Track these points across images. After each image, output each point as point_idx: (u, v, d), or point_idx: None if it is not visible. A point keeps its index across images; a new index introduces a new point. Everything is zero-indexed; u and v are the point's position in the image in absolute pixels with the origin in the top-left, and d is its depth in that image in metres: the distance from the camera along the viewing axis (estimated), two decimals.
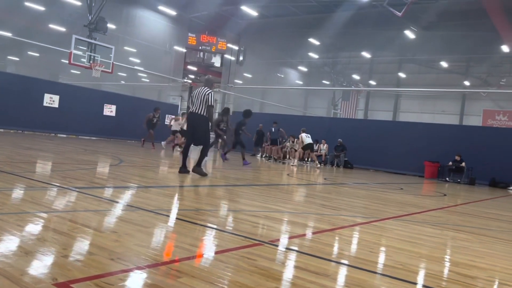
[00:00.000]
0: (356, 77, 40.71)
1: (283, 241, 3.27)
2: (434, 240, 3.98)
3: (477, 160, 16.57)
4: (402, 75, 37.95)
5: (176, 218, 3.75)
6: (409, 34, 26.15)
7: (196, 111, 7.27)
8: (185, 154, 7.60)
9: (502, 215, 7.19)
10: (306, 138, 16.03)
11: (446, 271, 2.94)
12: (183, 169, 7.47)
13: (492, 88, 32.60)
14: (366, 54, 35.26)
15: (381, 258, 3.07)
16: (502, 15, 21.89)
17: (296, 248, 3.07)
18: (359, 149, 19.42)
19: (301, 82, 44.85)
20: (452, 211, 6.78)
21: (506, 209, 8.55)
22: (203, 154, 7.50)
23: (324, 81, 42.43)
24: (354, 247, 3.38)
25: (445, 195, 9.98)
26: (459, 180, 16.90)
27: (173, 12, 29.73)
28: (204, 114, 7.27)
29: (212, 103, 7.30)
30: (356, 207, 5.98)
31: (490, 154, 16.59)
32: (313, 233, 3.71)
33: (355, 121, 27.72)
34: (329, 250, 3.12)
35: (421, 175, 17.83)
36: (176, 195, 5.39)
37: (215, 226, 3.54)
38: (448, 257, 3.41)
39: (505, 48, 27.09)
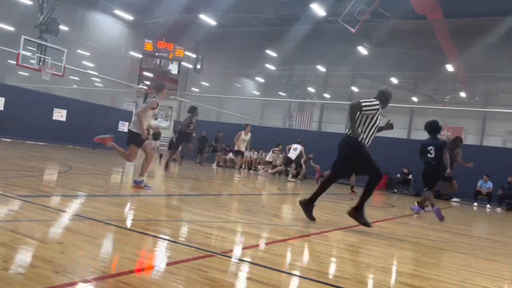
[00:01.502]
0: (311, 89, 41.63)
1: (236, 252, 3.27)
2: (381, 251, 4.13)
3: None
4: (355, 89, 39.21)
5: (127, 229, 3.66)
6: (362, 50, 27.14)
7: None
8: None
9: (445, 225, 7.56)
10: (291, 151, 15.73)
11: (391, 280, 3.05)
12: None
13: (438, 105, 34.37)
14: (321, 68, 36.19)
15: (331, 269, 3.14)
16: (447, 36, 23.25)
17: (248, 260, 3.08)
18: (313, 160, 19.79)
19: (258, 93, 45.26)
20: (399, 222, 7.04)
21: (448, 220, 8.99)
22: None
23: (280, 93, 43.06)
24: (305, 258, 3.44)
25: (393, 206, 10.36)
26: (406, 192, 17.62)
27: (130, 17, 29.19)
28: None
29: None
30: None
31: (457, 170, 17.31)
32: (266, 243, 3.74)
33: (310, 132, 28.29)
34: (281, 261, 3.15)
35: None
36: (128, 204, 5.25)
37: (166, 237, 3.49)
38: (393, 267, 3.54)
39: (449, 68, 28.71)
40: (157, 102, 6.69)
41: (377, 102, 5.20)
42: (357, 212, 5.13)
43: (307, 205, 5.32)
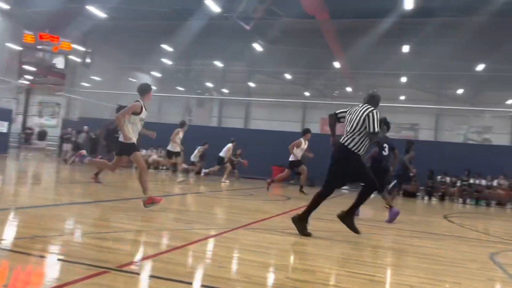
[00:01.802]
0: (209, 84, 41.71)
1: (133, 265, 3.15)
2: (278, 248, 4.31)
3: (316, 163, 18.45)
4: (252, 84, 40.18)
5: (6, 250, 3.31)
6: (257, 46, 27.87)
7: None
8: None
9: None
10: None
11: (283, 278, 3.20)
12: None
13: (328, 99, 36.85)
14: (218, 63, 36.41)
15: (229, 273, 3.20)
16: (334, 36, 24.96)
17: (146, 272, 3.00)
18: (213, 156, 19.89)
19: (155, 88, 43.99)
20: (294, 214, 7.40)
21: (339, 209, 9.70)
22: None
23: (178, 88, 42.40)
24: (205, 263, 3.45)
25: (289, 198, 10.87)
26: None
27: (6, 6, 26.26)
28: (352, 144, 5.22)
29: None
30: (209, 218, 6.12)
31: (327, 157, 18.59)
32: (164, 252, 3.67)
33: (209, 128, 28.33)
34: (180, 271, 3.12)
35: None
36: (9, 219, 4.75)
37: (53, 256, 3.24)
38: (287, 263, 3.73)
39: (337, 65, 30.90)
40: (140, 106, 6.05)
41: (373, 108, 5.23)
42: (347, 217, 5.15)
43: (300, 222, 5.11)
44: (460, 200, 17.43)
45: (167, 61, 36.88)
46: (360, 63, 30.86)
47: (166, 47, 31.43)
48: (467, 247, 5.49)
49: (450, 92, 36.32)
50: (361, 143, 5.04)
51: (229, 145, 16.04)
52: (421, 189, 17.75)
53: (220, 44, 29.95)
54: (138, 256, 3.47)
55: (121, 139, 6.06)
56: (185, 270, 3.17)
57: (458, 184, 17.63)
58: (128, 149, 6.05)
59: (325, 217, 7.45)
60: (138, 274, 2.94)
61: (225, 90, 42.01)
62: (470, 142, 34.72)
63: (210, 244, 4.20)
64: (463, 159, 17.37)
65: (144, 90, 6.30)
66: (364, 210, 8.16)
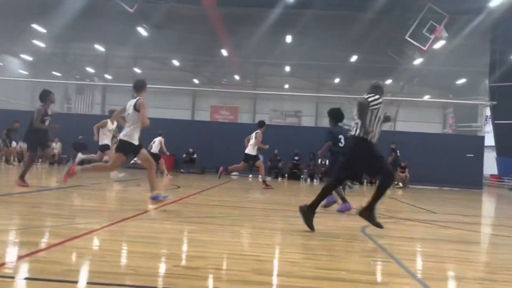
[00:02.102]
0: (90, 70, 38.99)
1: (4, 268, 2.84)
2: (167, 236, 4.26)
3: (206, 151, 18.57)
4: (138, 70, 38.61)
5: None
6: (142, 31, 26.78)
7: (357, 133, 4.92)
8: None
9: (224, 200, 8.31)
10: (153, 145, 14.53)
11: (172, 267, 3.18)
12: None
13: (217, 87, 37.12)
14: (100, 47, 34.17)
15: (115, 267, 3.07)
16: (221, 23, 25.09)
17: (20, 274, 2.73)
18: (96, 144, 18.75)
19: (26, 73, 39.73)
20: (184, 202, 7.37)
21: (229, 194, 9.93)
22: None
23: (55, 73, 38.88)
24: (87, 259, 3.26)
25: (179, 187, 10.77)
26: (192, 171, 18.60)
27: None
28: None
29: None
30: (92, 212, 5.77)
31: (217, 145, 18.82)
32: (41, 250, 3.37)
33: (91, 117, 26.57)
34: (59, 269, 2.89)
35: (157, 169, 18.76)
36: None
37: None
38: (176, 252, 3.71)
39: (224, 52, 31.19)
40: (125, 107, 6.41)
41: (379, 96, 4.98)
42: (369, 213, 4.94)
43: (308, 213, 4.94)
44: None
45: (39, 43, 33.44)
46: (247, 52, 31.58)
47: (38, 27, 28.47)
48: (342, 222, 6.03)
49: (329, 81, 39.19)
50: (371, 131, 4.85)
51: (159, 138, 14.95)
52: (304, 171, 18.97)
53: (102, 26, 28.11)
54: (11, 258, 3.14)
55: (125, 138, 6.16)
56: (64, 268, 2.95)
57: None
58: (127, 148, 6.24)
59: (210, 203, 7.56)
60: (11, 277, 2.66)
61: (108, 76, 39.70)
62: (346, 127, 37.97)
63: (94, 238, 3.98)
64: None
65: (141, 86, 6.36)
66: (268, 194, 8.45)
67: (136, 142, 6.18)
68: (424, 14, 18.61)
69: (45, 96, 7.84)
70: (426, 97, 36.08)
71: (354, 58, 29.97)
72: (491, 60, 24.29)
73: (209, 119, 37.98)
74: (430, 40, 18.80)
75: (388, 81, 36.38)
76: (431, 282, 3.05)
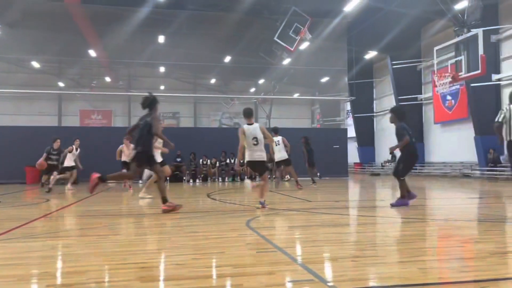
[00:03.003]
0: None
1: None
2: (38, 255, 3.82)
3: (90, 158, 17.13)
4: None
5: None
6: None
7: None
8: None
9: (102, 209, 7.79)
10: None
11: (43, 287, 2.87)
12: None
13: (85, 90, 34.61)
14: None
15: None
16: (87, 22, 23.45)
17: None
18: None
19: None
20: (54, 216, 6.72)
21: (106, 202, 9.33)
22: None
23: None
24: None
25: (48, 200, 9.79)
26: (62, 182, 17.08)
27: None
28: None
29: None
30: None
31: (90, 151, 17.42)
32: None
33: None
34: None
35: (23, 182, 16.86)
36: None
37: None
38: (49, 270, 3.35)
39: (92, 53, 29.25)
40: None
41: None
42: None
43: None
44: (220, 178, 19.29)
45: None
46: (118, 52, 30.10)
47: None
48: (227, 219, 6.12)
49: (205, 82, 39.46)
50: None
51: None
52: (187, 173, 18.83)
53: None
54: None
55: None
56: None
57: (217, 164, 19.42)
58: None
59: (89, 214, 7.05)
60: None
61: None
62: (224, 126, 38.75)
63: None
64: (219, 142, 19.23)
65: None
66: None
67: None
68: (289, 17, 19.83)
69: (155, 103, 6.78)
70: (296, 95, 38.58)
71: (228, 59, 30.64)
72: (349, 59, 27.01)
73: (78, 125, 35.31)
74: (296, 41, 20.11)
75: (261, 81, 38.07)
76: (312, 265, 3.25)
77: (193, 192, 12.91)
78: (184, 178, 18.58)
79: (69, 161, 13.24)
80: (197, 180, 18.54)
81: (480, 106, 18.57)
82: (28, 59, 32.37)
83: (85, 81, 35.87)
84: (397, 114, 7.49)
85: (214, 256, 3.69)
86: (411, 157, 7.46)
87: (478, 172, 19.34)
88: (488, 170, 18.44)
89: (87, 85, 35.57)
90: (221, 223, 5.76)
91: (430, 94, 23.66)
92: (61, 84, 36.25)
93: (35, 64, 33.29)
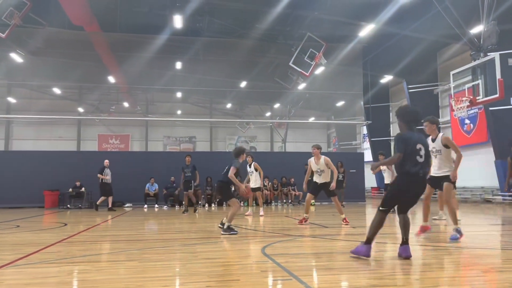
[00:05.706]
0: None
1: None
2: (53, 281, 3.84)
3: (95, 183, 17.33)
4: (12, 100, 35.19)
5: None
6: (16, 57, 24.51)
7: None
8: None
9: (118, 235, 7.82)
10: None
11: None
12: None
13: (104, 115, 35.27)
14: None
15: None
16: (107, 49, 24.10)
17: None
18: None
19: None
20: (72, 241, 6.76)
21: (121, 227, 9.37)
22: None
23: None
24: None
25: (65, 224, 9.88)
26: (80, 206, 17.24)
27: None
28: None
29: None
30: None
31: (125, 176, 17.44)
32: None
33: None
34: None
35: (42, 205, 17.07)
36: None
37: None
38: None
39: (111, 79, 29.94)
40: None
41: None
42: None
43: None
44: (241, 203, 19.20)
45: None
46: (136, 78, 30.74)
47: None
48: (243, 245, 6.06)
49: (221, 106, 39.86)
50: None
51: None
52: (202, 197, 18.79)
53: None
54: None
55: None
56: None
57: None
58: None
59: (101, 240, 7.07)
60: None
61: None
62: None
63: None
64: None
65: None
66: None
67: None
68: (305, 42, 20.03)
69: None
70: (311, 119, 38.59)
71: (243, 84, 30.97)
72: (364, 83, 27.01)
73: (96, 149, 35.86)
74: (312, 66, 20.23)
75: (276, 105, 38.25)
76: None
77: (208, 217, 12.87)
78: (199, 202, 18.55)
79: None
80: (213, 205, 18.49)
81: (500, 130, 18.26)
82: (49, 85, 33.26)
83: (104, 107, 36.59)
84: (402, 118, 5.01)
85: (229, 284, 3.65)
86: (405, 185, 4.85)
87: (500, 197, 18.85)
88: (510, 196, 17.96)
89: (106, 110, 36.27)
90: (237, 249, 5.71)
91: (448, 118, 23.39)
92: (80, 109, 37.05)
93: (56, 91, 34.17)
